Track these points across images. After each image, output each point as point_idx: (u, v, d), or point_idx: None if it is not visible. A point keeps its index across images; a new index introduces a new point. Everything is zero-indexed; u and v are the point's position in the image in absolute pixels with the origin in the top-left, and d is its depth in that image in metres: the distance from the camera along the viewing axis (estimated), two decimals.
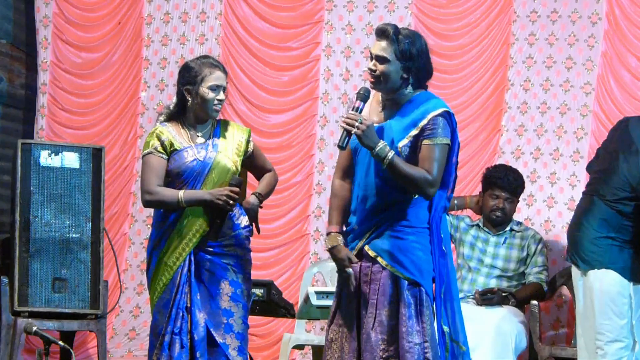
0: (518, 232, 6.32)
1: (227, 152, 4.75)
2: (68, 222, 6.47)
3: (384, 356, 4.17)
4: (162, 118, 4.82)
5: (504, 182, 6.23)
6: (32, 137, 7.50)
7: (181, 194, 4.61)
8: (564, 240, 6.80)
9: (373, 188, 4.26)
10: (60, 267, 6.42)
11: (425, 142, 4.21)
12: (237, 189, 4.64)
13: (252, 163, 4.87)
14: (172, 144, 4.68)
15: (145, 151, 4.71)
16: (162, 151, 4.68)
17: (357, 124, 4.13)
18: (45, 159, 6.48)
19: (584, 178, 6.82)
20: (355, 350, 4.24)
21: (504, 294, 6.08)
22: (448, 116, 4.28)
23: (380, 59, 4.24)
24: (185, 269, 4.67)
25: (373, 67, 4.24)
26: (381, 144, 4.15)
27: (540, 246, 6.29)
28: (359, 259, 4.30)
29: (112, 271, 7.11)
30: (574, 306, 6.49)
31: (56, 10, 7.57)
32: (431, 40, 7.12)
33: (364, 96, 4.24)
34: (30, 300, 6.33)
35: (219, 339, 4.66)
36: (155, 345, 4.67)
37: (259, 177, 4.93)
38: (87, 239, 6.51)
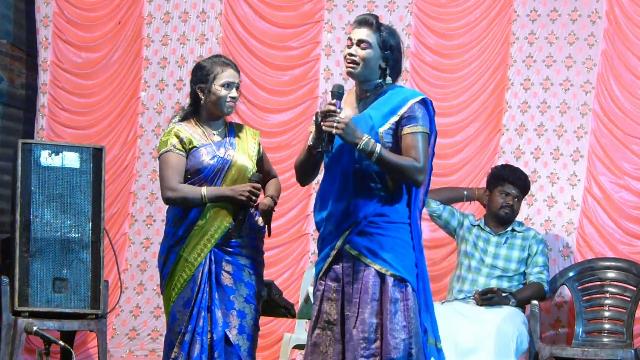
0: (519, 232, 6.31)
1: (243, 151, 4.78)
2: (68, 222, 6.48)
3: (364, 354, 4.13)
4: (176, 119, 4.83)
5: (515, 179, 6.24)
6: (32, 136, 7.50)
7: (204, 190, 4.63)
8: (564, 240, 6.80)
9: (350, 185, 4.22)
10: (60, 267, 6.42)
11: (407, 130, 4.20)
12: (258, 185, 4.68)
13: (261, 166, 4.88)
14: (191, 142, 4.71)
15: (164, 149, 4.71)
16: (181, 149, 4.70)
17: (334, 124, 4.09)
18: (46, 158, 6.48)
19: (584, 177, 6.82)
20: (339, 352, 4.20)
21: (503, 294, 6.07)
22: (427, 104, 4.27)
23: (363, 44, 4.23)
24: (206, 267, 4.68)
25: (354, 52, 4.23)
26: (365, 138, 4.12)
27: (541, 246, 6.28)
28: (338, 259, 4.25)
29: (112, 271, 7.11)
30: (574, 306, 6.51)
31: (56, 10, 7.57)
32: (431, 39, 7.14)
33: (338, 94, 4.20)
34: (31, 300, 6.34)
35: (233, 340, 4.66)
36: (174, 344, 4.67)
37: (264, 182, 4.93)
38: (87, 238, 6.51)
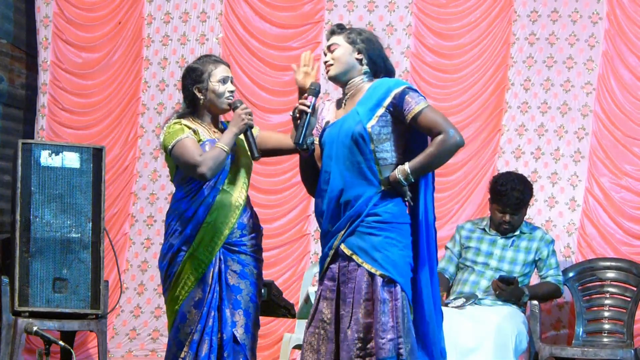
0: (525, 234, 6.24)
1: (243, 148, 4.78)
2: (68, 222, 6.47)
3: (360, 354, 4.16)
4: (175, 116, 4.82)
5: (509, 199, 6.12)
6: (32, 137, 7.50)
7: (221, 145, 4.61)
8: (564, 240, 6.81)
9: (344, 183, 4.27)
10: (60, 267, 6.42)
11: (411, 114, 4.24)
12: (243, 106, 4.70)
13: (268, 138, 4.87)
14: (197, 134, 4.71)
15: (179, 137, 4.65)
16: (194, 136, 4.70)
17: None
18: (46, 159, 6.48)
19: (585, 178, 6.82)
20: (332, 352, 4.23)
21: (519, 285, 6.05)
22: (412, 89, 4.32)
23: (332, 46, 4.38)
24: (216, 267, 4.68)
25: (327, 58, 4.38)
26: (397, 174, 4.22)
27: (551, 247, 6.22)
28: (335, 259, 4.30)
29: (112, 271, 7.11)
30: (575, 306, 6.51)
31: (56, 10, 7.57)
32: (431, 39, 7.14)
33: (314, 90, 4.37)
34: (31, 300, 6.33)
35: (240, 339, 4.67)
36: (184, 344, 4.67)
37: (280, 144, 4.89)
38: (87, 239, 6.51)
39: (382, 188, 4.26)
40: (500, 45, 7.02)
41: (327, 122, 4.42)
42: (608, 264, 6.55)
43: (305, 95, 4.38)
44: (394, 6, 7.23)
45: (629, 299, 6.41)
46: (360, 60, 4.36)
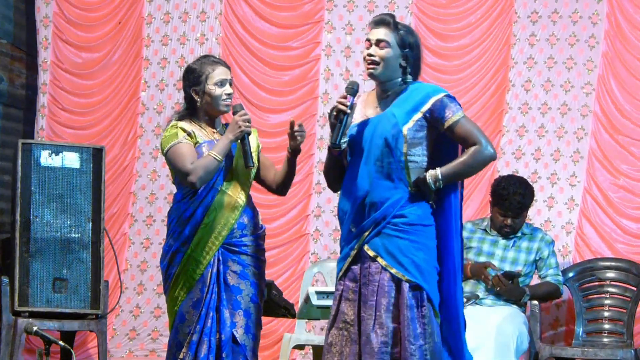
0: (526, 234, 6.25)
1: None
2: (68, 222, 6.47)
3: (385, 359, 4.14)
4: (175, 117, 4.82)
5: (511, 203, 6.12)
6: (32, 137, 7.50)
7: (213, 154, 4.60)
8: (563, 240, 6.82)
9: (371, 184, 4.24)
10: (60, 267, 6.42)
11: (448, 123, 4.22)
12: (243, 111, 4.68)
13: (263, 173, 4.86)
14: (195, 137, 4.71)
15: (173, 142, 4.66)
16: (189, 140, 4.69)
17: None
18: (46, 159, 6.48)
19: (584, 178, 6.83)
20: (356, 353, 4.20)
21: (520, 285, 6.05)
22: (451, 97, 4.29)
23: (382, 43, 4.26)
24: (215, 268, 4.69)
25: (373, 52, 4.26)
26: (427, 176, 4.22)
27: (551, 247, 6.23)
28: (357, 260, 4.27)
29: (112, 271, 7.11)
30: (574, 306, 6.52)
31: (56, 10, 7.57)
32: (431, 40, 7.15)
33: (353, 90, 4.29)
34: (31, 300, 6.34)
35: (240, 340, 4.68)
36: (183, 345, 4.67)
37: (271, 182, 4.89)
38: (87, 239, 6.51)
39: (410, 190, 4.23)
40: (500, 46, 7.02)
41: (356, 121, 4.36)
42: (608, 264, 6.56)
43: (344, 94, 4.30)
44: (394, 6, 7.23)
45: (629, 299, 6.42)
46: (404, 69, 4.29)
